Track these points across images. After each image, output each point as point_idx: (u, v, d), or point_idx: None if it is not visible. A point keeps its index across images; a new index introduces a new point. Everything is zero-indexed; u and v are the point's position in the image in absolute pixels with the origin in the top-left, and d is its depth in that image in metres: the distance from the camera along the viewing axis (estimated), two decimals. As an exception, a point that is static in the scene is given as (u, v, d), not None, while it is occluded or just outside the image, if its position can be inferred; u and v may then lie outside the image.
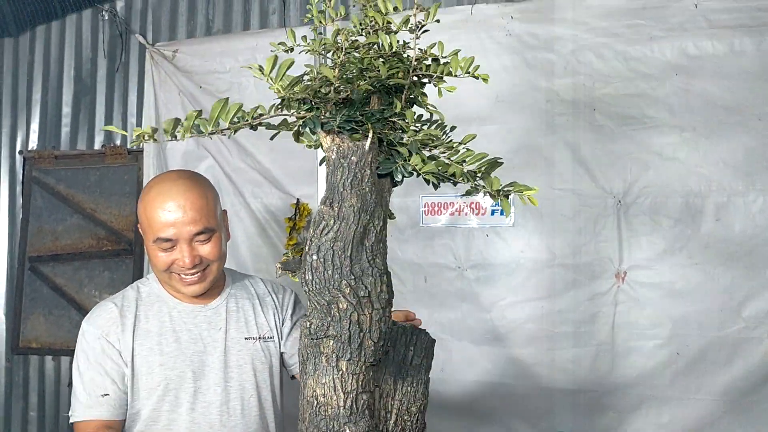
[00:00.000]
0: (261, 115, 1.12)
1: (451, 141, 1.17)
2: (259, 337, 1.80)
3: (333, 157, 1.15)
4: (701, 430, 2.55)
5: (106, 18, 3.57)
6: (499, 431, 2.82)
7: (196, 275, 1.69)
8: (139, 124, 3.51)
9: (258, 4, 3.31)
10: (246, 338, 1.78)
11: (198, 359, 1.72)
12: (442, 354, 2.90)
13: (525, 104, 2.76)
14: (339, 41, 1.18)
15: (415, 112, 1.17)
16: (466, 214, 2.89)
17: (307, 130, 1.13)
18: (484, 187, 1.14)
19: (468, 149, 1.16)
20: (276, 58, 1.09)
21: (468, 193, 1.17)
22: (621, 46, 2.65)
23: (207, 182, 1.77)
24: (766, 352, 2.48)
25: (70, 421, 1.71)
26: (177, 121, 1.09)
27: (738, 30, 2.51)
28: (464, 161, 1.14)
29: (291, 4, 3.25)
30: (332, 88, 1.14)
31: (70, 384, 3.52)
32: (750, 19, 2.49)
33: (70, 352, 3.54)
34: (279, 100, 1.14)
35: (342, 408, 1.15)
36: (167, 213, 1.63)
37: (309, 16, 1.21)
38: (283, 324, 1.85)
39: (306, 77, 1.17)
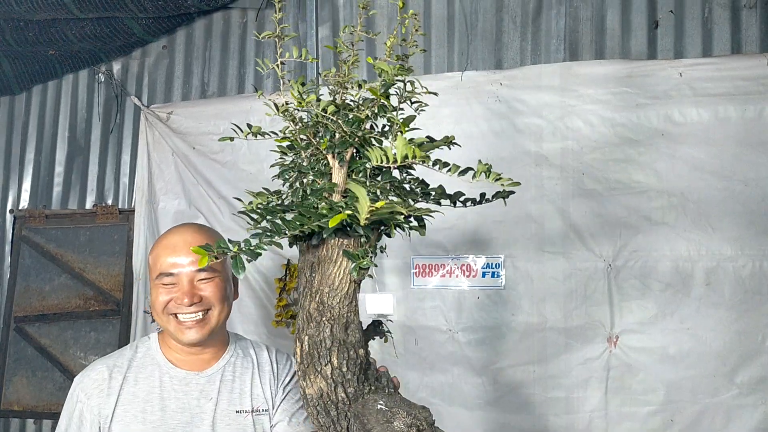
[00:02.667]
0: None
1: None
2: (252, 410, 1.72)
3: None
4: (698, 499, 2.50)
5: (103, 80, 3.62)
6: (491, 501, 2.74)
7: (194, 318, 1.64)
8: (131, 183, 3.52)
9: (252, 68, 3.37)
10: (237, 411, 1.69)
11: (182, 430, 1.65)
12: (434, 418, 2.85)
13: (514, 168, 2.80)
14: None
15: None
16: (456, 276, 2.89)
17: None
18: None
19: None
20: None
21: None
22: (608, 112, 2.70)
23: (218, 234, 1.77)
24: (761, 419, 2.45)
25: None
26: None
27: (722, 98, 2.57)
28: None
29: (285, 69, 3.31)
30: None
31: (51, 448, 3.43)
32: (733, 87, 2.56)
33: (53, 416, 3.47)
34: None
35: None
36: (172, 248, 1.64)
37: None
38: (276, 395, 1.78)
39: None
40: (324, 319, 1.23)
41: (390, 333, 1.30)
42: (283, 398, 1.77)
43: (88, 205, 3.61)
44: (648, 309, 2.62)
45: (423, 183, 1.22)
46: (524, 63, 2.91)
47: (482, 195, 1.32)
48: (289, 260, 3.12)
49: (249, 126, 1.32)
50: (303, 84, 1.22)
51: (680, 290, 2.58)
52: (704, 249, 2.57)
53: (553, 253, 2.75)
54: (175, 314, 1.65)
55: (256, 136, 1.28)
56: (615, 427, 2.61)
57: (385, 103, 1.17)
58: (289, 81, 1.25)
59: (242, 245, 1.11)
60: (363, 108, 1.18)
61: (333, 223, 1.08)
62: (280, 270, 3.14)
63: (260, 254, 1.12)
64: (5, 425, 3.54)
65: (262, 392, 1.74)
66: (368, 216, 1.06)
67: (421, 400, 2.84)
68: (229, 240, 1.13)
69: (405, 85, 1.23)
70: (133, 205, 3.47)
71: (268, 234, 1.13)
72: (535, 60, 2.90)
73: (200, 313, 1.65)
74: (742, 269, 2.52)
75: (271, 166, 1.36)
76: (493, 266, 2.84)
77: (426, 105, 1.25)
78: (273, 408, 1.75)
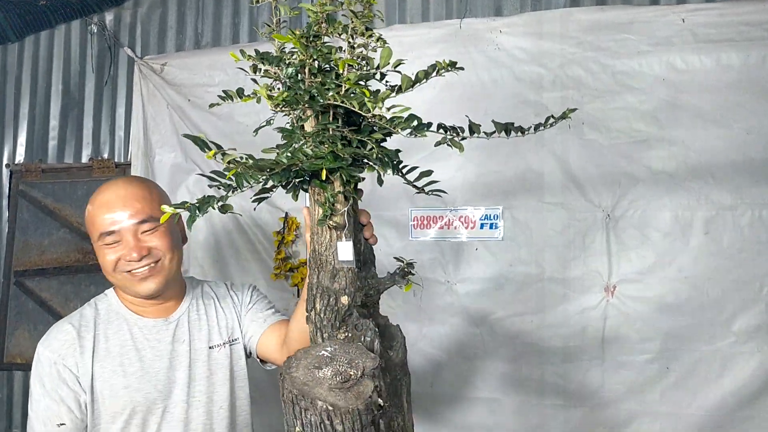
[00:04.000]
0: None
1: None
2: (224, 342, 1.74)
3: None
4: (692, 445, 2.54)
5: (95, 31, 3.55)
6: (489, 448, 2.79)
7: (146, 268, 1.61)
8: (127, 137, 3.49)
9: (247, 17, 3.31)
10: (211, 347, 1.72)
11: (164, 376, 1.65)
12: (432, 369, 2.88)
13: (514, 118, 2.74)
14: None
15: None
16: (455, 227, 2.88)
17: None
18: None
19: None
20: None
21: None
22: (609, 60, 2.65)
23: (153, 183, 1.74)
24: (757, 366, 2.47)
25: None
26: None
27: (725, 44, 2.52)
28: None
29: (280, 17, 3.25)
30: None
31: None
32: (736, 33, 2.51)
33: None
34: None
35: None
36: (108, 207, 1.61)
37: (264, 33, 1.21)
38: (242, 317, 1.79)
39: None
40: (315, 266, 1.25)
41: (418, 283, 1.28)
42: (249, 310, 1.79)
43: (84, 158, 3.58)
44: (646, 258, 2.62)
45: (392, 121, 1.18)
46: (524, 10, 2.85)
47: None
48: (286, 213, 3.11)
49: (225, 92, 1.28)
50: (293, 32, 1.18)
51: (679, 240, 2.58)
52: (704, 198, 2.55)
53: (552, 204, 2.74)
54: (129, 270, 1.62)
55: (230, 99, 1.25)
56: (611, 375, 2.64)
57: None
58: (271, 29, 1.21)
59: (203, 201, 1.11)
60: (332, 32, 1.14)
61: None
62: (278, 223, 3.13)
63: (226, 211, 1.13)
64: (9, 378, 3.59)
65: (226, 323, 1.76)
66: (298, 164, 1.06)
67: (420, 350, 2.87)
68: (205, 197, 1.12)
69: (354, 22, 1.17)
70: (129, 158, 3.44)
71: (232, 187, 1.12)
72: (535, 7, 2.84)
73: (152, 264, 1.62)
74: (741, 218, 2.51)
75: (255, 132, 1.34)
76: (492, 218, 2.83)
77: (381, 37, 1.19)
78: (242, 329, 1.78)
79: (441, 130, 1.19)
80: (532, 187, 2.76)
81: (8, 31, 3.58)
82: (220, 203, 1.10)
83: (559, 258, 2.73)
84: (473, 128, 1.17)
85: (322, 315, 1.23)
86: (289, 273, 3.12)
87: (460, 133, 1.18)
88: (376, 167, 1.19)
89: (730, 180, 2.52)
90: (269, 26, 1.21)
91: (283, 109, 1.16)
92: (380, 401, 1.08)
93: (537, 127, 1.21)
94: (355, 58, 1.13)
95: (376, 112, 1.04)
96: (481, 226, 2.85)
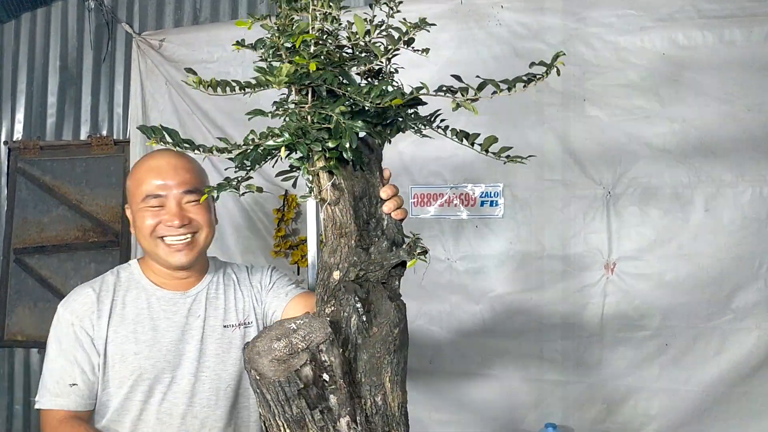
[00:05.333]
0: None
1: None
2: (239, 324, 1.75)
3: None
4: (690, 421, 2.55)
5: (93, 7, 3.52)
6: (488, 423, 2.81)
7: (184, 240, 1.65)
8: (125, 114, 3.47)
9: (246, -9, 3.28)
10: (225, 326, 1.73)
11: (174, 348, 1.67)
12: (431, 346, 2.89)
13: (515, 95, 2.74)
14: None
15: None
16: (455, 205, 2.88)
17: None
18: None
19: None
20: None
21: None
22: (611, 36, 2.64)
23: (197, 161, 1.76)
24: (755, 343, 2.48)
25: (36, 407, 1.65)
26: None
27: (727, 20, 2.51)
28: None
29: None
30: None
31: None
32: (739, 9, 2.49)
33: (56, 345, 3.50)
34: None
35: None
36: (158, 172, 1.64)
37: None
38: (260, 302, 1.81)
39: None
40: (322, 242, 1.26)
41: (424, 260, 1.27)
42: (270, 290, 1.80)
43: (83, 136, 3.57)
44: (646, 236, 2.62)
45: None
46: (526, -15, 2.82)
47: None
48: (286, 191, 3.10)
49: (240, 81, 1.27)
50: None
51: (679, 217, 2.58)
52: (704, 175, 2.55)
53: (552, 181, 2.73)
54: (163, 237, 1.65)
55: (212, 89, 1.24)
56: (609, 351, 2.65)
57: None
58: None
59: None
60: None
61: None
62: (278, 201, 3.12)
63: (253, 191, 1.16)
64: (9, 355, 3.60)
65: (243, 306, 1.77)
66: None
67: (419, 328, 2.88)
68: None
69: None
70: (128, 135, 3.43)
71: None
72: (537, -18, 2.81)
73: (189, 236, 1.66)
74: (741, 195, 2.51)
75: (248, 114, 1.34)
76: (492, 195, 2.83)
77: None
78: (264, 310, 1.79)
79: (442, 92, 1.17)
80: (533, 165, 2.75)
81: (1, 11, 3.54)
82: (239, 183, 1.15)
83: (559, 235, 2.73)
84: (462, 91, 1.14)
85: (318, 288, 1.24)
86: (289, 251, 3.12)
87: (453, 95, 1.16)
88: (373, 136, 1.19)
89: (731, 157, 2.52)
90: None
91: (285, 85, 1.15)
92: (325, 376, 1.09)
93: (525, 82, 1.15)
94: (316, 32, 1.12)
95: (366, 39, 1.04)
96: (482, 203, 2.85)
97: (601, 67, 2.65)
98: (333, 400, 1.10)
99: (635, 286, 2.62)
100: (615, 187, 2.65)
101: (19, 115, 3.67)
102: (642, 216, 2.62)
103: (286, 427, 1.10)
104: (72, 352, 1.63)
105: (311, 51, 1.11)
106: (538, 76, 1.14)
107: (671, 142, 2.58)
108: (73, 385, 1.62)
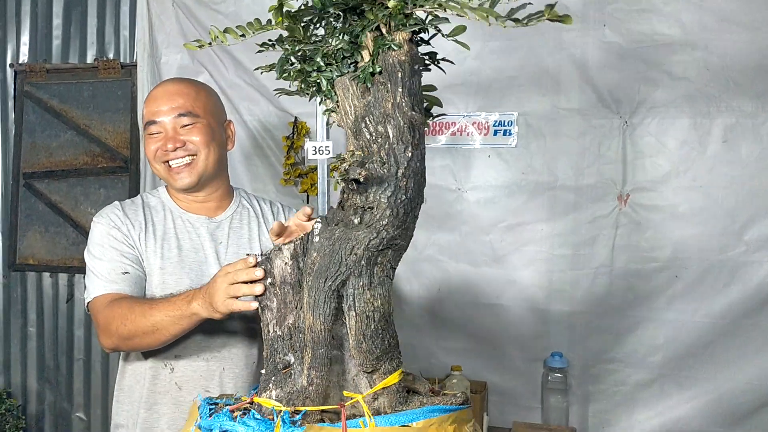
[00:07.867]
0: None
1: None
2: (261, 255, 1.78)
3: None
4: (695, 352, 2.57)
5: (96, -77, 3.40)
6: (494, 352, 2.84)
7: (182, 163, 1.73)
8: (132, 36, 3.39)
9: None
10: (247, 255, 1.76)
11: (197, 268, 1.73)
12: (440, 275, 2.90)
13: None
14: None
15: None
16: (468, 134, 2.83)
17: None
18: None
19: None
20: None
21: None
22: (634, -42, 2.53)
23: (205, 85, 1.86)
24: (765, 275, 2.47)
25: (87, 300, 1.70)
26: None
27: (757, -58, 2.40)
28: None
29: None
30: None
31: (68, 300, 3.54)
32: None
33: (68, 270, 3.54)
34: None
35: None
36: (154, 99, 1.76)
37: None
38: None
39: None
40: (331, 170, 1.27)
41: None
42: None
43: (89, 59, 3.50)
44: (661, 167, 2.58)
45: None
46: None
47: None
48: (296, 117, 3.05)
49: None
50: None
51: (695, 148, 2.53)
52: (724, 105, 2.48)
53: (568, 110, 2.68)
54: (168, 162, 1.74)
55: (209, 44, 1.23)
56: (619, 282, 2.65)
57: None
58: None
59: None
60: None
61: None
62: (287, 128, 3.08)
63: None
64: (22, 278, 3.65)
65: (263, 242, 1.84)
66: None
67: (429, 257, 2.89)
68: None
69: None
70: (135, 59, 3.36)
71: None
72: None
73: (187, 158, 1.74)
74: (761, 127, 2.45)
75: (256, 69, 1.30)
76: (506, 124, 2.78)
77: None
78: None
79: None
80: (548, 93, 2.69)
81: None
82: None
83: (573, 166, 2.69)
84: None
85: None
86: (299, 179, 3.10)
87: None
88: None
89: (752, 86, 2.45)
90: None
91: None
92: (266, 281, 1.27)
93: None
94: None
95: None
96: (495, 132, 2.80)
97: (623, -9, 2.55)
98: (275, 301, 1.24)
99: (648, 217, 2.60)
100: (632, 116, 2.59)
101: (25, 37, 3.60)
102: (658, 146, 2.58)
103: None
104: (117, 249, 1.71)
105: None
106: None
107: (692, 70, 2.51)
108: (125, 273, 1.69)
